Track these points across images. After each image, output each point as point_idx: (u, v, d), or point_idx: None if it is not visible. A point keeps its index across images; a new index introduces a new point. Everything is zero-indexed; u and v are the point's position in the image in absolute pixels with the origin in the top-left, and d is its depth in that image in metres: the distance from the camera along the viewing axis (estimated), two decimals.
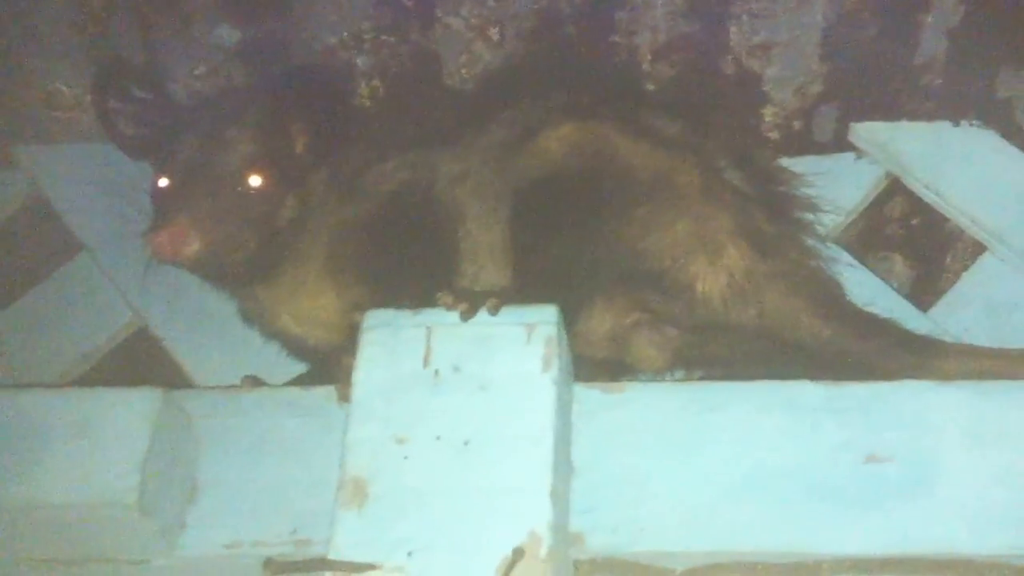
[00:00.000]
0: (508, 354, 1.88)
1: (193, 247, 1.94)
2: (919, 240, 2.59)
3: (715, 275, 2.03)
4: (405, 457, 1.82)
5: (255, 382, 2.18)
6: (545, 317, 1.91)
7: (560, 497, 1.80)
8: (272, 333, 2.26)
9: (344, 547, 1.75)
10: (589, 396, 1.97)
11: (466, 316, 1.91)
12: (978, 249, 2.43)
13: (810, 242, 2.15)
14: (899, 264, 2.57)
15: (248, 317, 2.27)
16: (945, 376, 1.95)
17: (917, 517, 1.79)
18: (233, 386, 2.18)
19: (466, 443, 1.82)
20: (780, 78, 2.46)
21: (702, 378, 2.15)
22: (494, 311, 1.91)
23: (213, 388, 2.27)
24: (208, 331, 2.49)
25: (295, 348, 2.26)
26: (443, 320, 1.93)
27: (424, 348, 1.91)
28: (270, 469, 2.01)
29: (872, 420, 1.89)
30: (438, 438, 1.83)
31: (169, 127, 2.14)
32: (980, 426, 1.86)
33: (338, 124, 2.20)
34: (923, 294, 2.48)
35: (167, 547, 1.94)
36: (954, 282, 2.48)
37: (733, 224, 2.04)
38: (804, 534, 1.81)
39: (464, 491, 1.78)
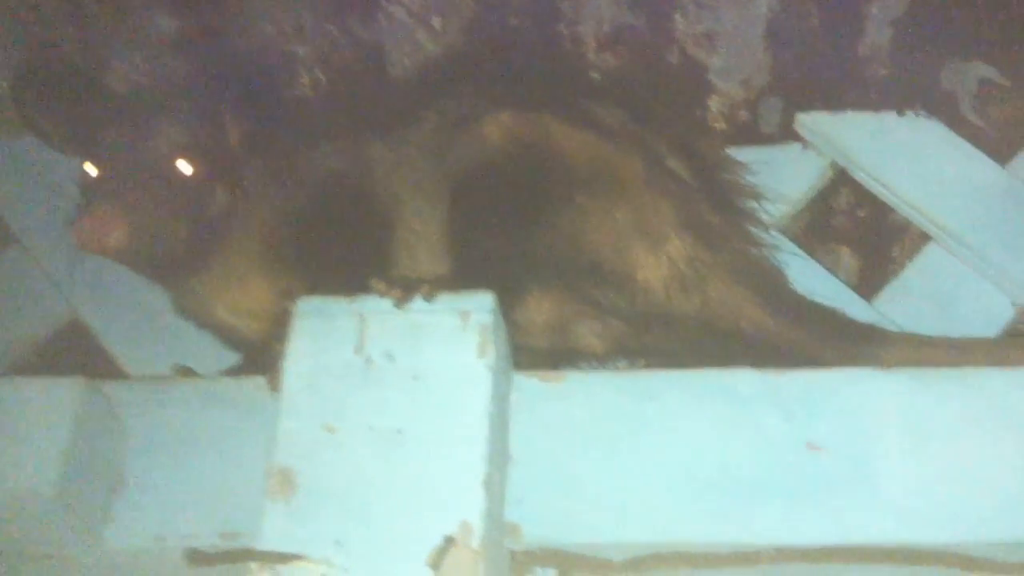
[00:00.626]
0: (443, 342, 1.84)
1: (118, 236, 1.90)
2: (865, 232, 2.55)
3: (657, 265, 2.00)
4: (336, 447, 1.77)
5: (185, 372, 2.15)
6: (481, 304, 1.87)
7: (495, 486, 1.76)
8: (207, 324, 2.21)
9: (272, 538, 1.71)
10: (528, 385, 1.93)
11: (400, 303, 1.87)
12: (924, 240, 2.40)
13: (754, 231, 2.11)
14: (846, 256, 2.55)
15: (182, 308, 2.22)
16: (887, 365, 1.92)
17: (857, 506, 1.76)
18: (161, 376, 2.16)
19: (399, 432, 1.77)
20: (725, 68, 2.43)
21: (643, 367, 2.11)
22: (429, 298, 1.87)
23: (140, 378, 2.24)
24: (143, 322, 2.44)
25: (231, 339, 2.21)
26: (377, 307, 1.88)
27: (357, 336, 1.86)
28: (199, 461, 1.95)
29: (812, 409, 1.86)
30: (370, 427, 1.78)
31: (99, 117, 2.08)
32: (921, 414, 1.83)
33: (273, 114, 2.15)
34: (870, 286, 2.44)
35: (91, 541, 1.88)
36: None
37: (676, 213, 2.01)
38: (744, 524, 1.78)
39: (396, 481, 1.74)
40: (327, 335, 1.87)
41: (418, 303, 1.87)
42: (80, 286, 2.42)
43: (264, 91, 2.18)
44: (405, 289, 1.87)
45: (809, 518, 1.76)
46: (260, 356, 2.05)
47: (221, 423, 1.98)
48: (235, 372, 2.19)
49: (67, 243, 1.97)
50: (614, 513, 1.81)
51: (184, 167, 2.00)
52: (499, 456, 1.81)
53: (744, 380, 1.90)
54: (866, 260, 2.57)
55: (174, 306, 2.23)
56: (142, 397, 2.02)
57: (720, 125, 2.49)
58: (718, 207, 2.07)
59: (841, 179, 2.48)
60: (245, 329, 2.16)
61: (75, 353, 2.53)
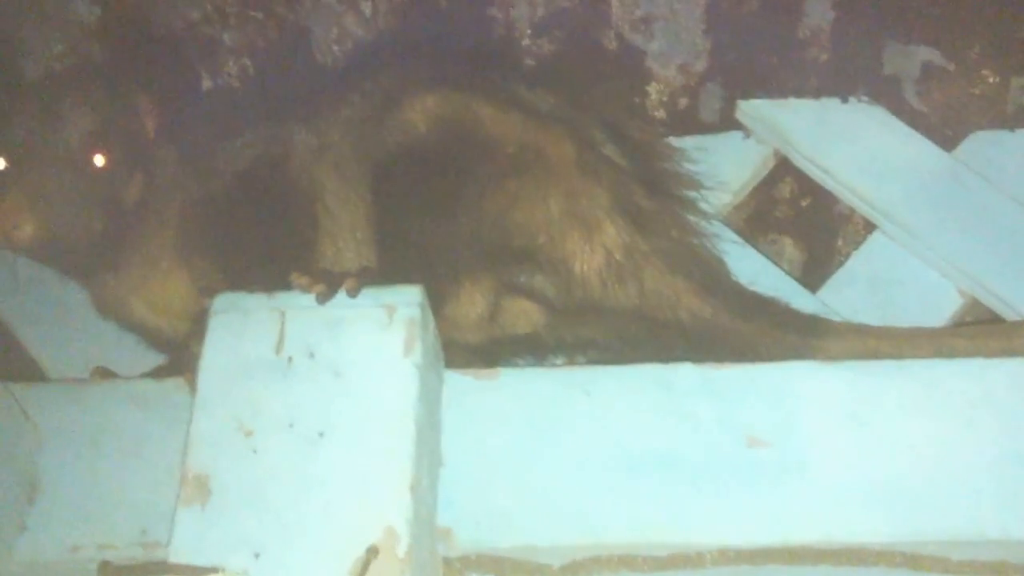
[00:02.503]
0: (367, 338, 1.76)
1: (26, 230, 1.85)
2: (809, 222, 2.49)
3: (592, 253, 1.93)
4: (253, 450, 1.69)
5: (104, 374, 2.05)
6: (407, 298, 1.79)
7: (423, 490, 1.68)
8: (126, 323, 2.13)
9: (185, 548, 1.62)
10: (461, 383, 1.87)
11: (323, 298, 1.79)
12: (869, 229, 2.35)
13: (692, 219, 2.04)
14: (789, 247, 2.48)
15: (101, 307, 2.14)
16: (831, 356, 1.88)
17: (800, 504, 1.71)
18: (77, 379, 2.07)
19: (320, 434, 1.69)
20: (664, 54, 2.38)
21: (580, 363, 2.05)
22: (353, 292, 1.79)
23: (55, 381, 2.15)
24: (66, 323, 2.33)
25: (152, 339, 2.14)
26: (298, 303, 1.80)
27: (277, 333, 1.78)
28: (117, 467, 1.88)
29: (752, 403, 1.81)
30: (289, 429, 1.70)
31: (8, 106, 1.99)
32: (865, 408, 1.79)
33: (189, 100, 2.07)
34: (814, 277, 2.39)
35: (4, 551, 1.81)
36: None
37: (610, 199, 1.94)
38: (684, 524, 1.73)
39: (317, 486, 1.66)
40: (245, 333, 1.78)
41: (342, 298, 1.79)
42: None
43: (183, 79, 2.08)
44: (328, 284, 1.79)
45: (751, 517, 1.71)
46: (182, 356, 1.97)
47: (141, 426, 1.91)
48: (159, 373, 2.09)
49: None
50: (551, 515, 1.74)
51: (97, 157, 1.93)
52: (429, 458, 1.73)
53: (683, 375, 1.84)
54: (810, 251, 2.50)
55: (94, 305, 2.14)
56: (57, 400, 1.95)
57: (659, 113, 2.43)
58: (654, 194, 2.00)
59: (784, 167, 2.42)
60: (167, 328, 2.08)
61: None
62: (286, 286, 1.81)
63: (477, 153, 1.93)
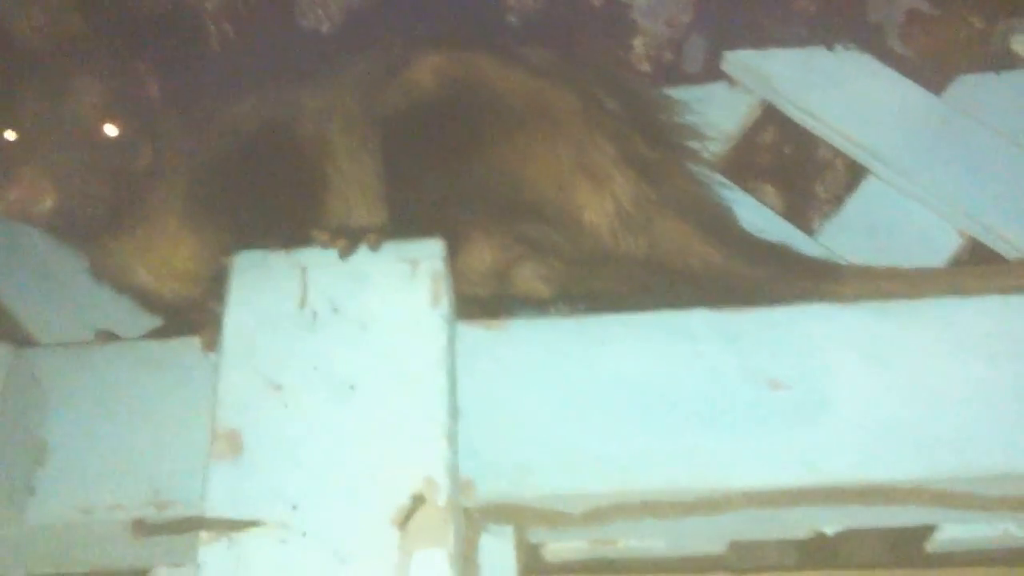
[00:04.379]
0: (392, 292, 1.77)
1: (47, 203, 1.83)
2: (790, 169, 2.50)
3: (602, 203, 1.93)
4: (284, 405, 1.69)
5: (108, 336, 2.04)
6: (430, 251, 1.81)
7: (453, 440, 1.69)
8: (125, 288, 2.11)
9: (220, 503, 1.62)
10: (471, 334, 1.85)
11: (345, 253, 1.80)
12: (850, 177, 2.40)
13: (695, 168, 2.04)
14: (771, 194, 2.50)
15: (99, 273, 2.12)
16: (844, 298, 1.89)
17: (826, 443, 1.72)
18: (83, 341, 2.04)
19: (351, 387, 1.70)
20: (649, 7, 2.37)
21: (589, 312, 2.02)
22: (375, 246, 1.80)
23: (61, 344, 2.09)
24: (53, 290, 2.34)
25: (150, 303, 2.12)
26: (319, 259, 1.81)
27: (300, 289, 1.78)
28: (126, 428, 1.86)
29: (768, 346, 1.82)
30: (319, 383, 1.70)
31: (14, 79, 1.96)
32: (880, 347, 1.80)
33: (190, 64, 2.04)
34: (796, 223, 2.41)
35: (14, 514, 1.78)
36: (825, 212, 2.45)
37: (617, 150, 1.95)
38: (707, 467, 1.73)
39: (351, 438, 1.66)
40: (268, 289, 1.79)
41: (363, 253, 1.80)
42: None
43: (174, 40, 2.06)
44: (349, 238, 1.80)
45: (777, 458, 1.72)
46: (182, 320, 1.99)
47: (149, 387, 1.89)
48: (156, 335, 2.08)
49: None
50: (569, 463, 1.74)
51: (108, 127, 1.92)
52: (453, 409, 1.74)
53: (698, 320, 1.85)
54: (789, 198, 2.51)
55: (92, 272, 2.12)
56: (63, 363, 1.93)
57: (645, 66, 2.44)
58: (657, 145, 2.01)
59: (767, 117, 2.44)
60: (167, 293, 2.07)
61: None
62: (305, 242, 1.81)
63: (484, 109, 1.93)
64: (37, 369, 1.88)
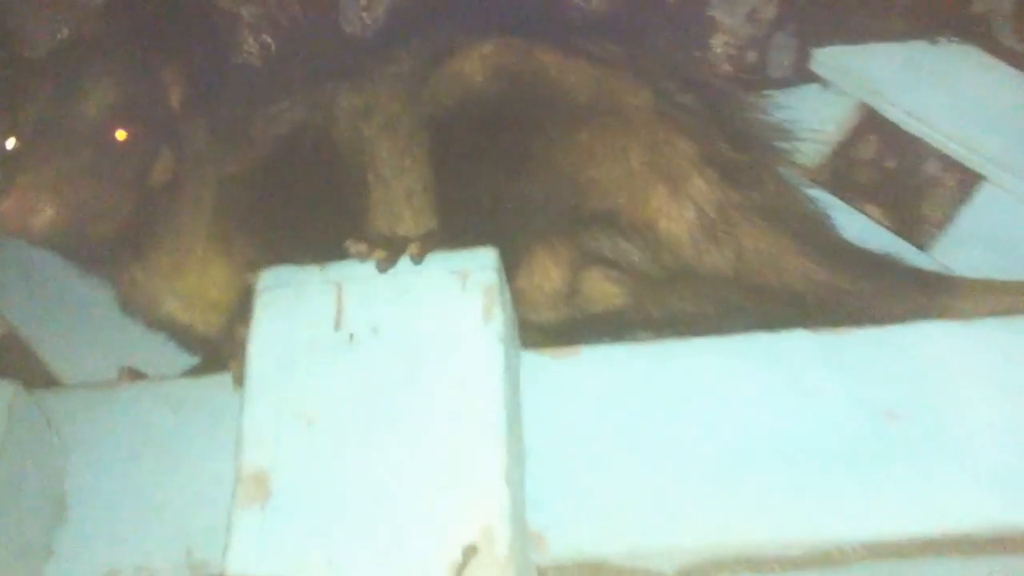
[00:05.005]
0: (438, 308, 1.56)
1: (45, 215, 1.62)
2: (893, 186, 2.25)
3: (680, 210, 1.71)
4: (317, 442, 1.48)
5: (133, 375, 1.85)
6: (481, 262, 1.59)
7: (516, 484, 1.45)
8: (155, 321, 1.92)
9: (245, 556, 1.41)
10: (538, 364, 1.64)
11: (384, 266, 1.59)
12: (962, 193, 2.13)
13: (787, 173, 1.82)
14: (875, 215, 2.23)
15: (127, 305, 1.93)
16: (963, 315, 1.65)
17: (950, 485, 1.48)
18: (104, 382, 1.86)
19: (393, 420, 1.48)
20: (729, 1, 2.11)
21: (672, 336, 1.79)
22: (419, 258, 1.59)
23: (79, 386, 1.93)
24: (80, 326, 2.14)
25: (184, 338, 1.94)
26: (356, 274, 1.60)
27: (334, 308, 1.58)
28: (155, 478, 1.68)
29: (881, 371, 1.58)
30: (357, 416, 1.49)
31: (18, 83, 1.81)
32: (1010, 371, 1.56)
33: (218, 68, 1.84)
34: (901, 237, 2.14)
35: None
36: (934, 235, 2.16)
37: (696, 149, 1.73)
38: (814, 515, 1.49)
39: (394, 479, 1.44)
40: (298, 310, 1.59)
41: (405, 265, 1.59)
42: (9, 290, 2.15)
43: (203, 42, 1.86)
44: (389, 249, 1.59)
45: (895, 503, 1.47)
46: (219, 351, 1.78)
47: (179, 431, 1.72)
48: (193, 374, 1.90)
49: None
50: (658, 513, 1.51)
51: (119, 131, 1.73)
52: (516, 447, 1.50)
53: (798, 343, 1.62)
54: (896, 219, 2.25)
55: (120, 304, 1.94)
56: (83, 406, 1.77)
57: (725, 69, 2.20)
58: (742, 145, 1.79)
59: (867, 122, 2.19)
60: (200, 324, 1.89)
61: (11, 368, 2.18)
62: (340, 256, 1.61)
63: (543, 104, 1.73)
64: (52, 414, 1.71)
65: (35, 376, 2.11)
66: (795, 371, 1.59)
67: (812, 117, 2.06)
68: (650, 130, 1.73)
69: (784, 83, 2.24)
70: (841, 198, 2.12)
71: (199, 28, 2.01)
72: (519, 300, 1.69)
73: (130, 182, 1.73)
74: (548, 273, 1.74)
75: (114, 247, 1.78)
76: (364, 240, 1.61)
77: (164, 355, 1.97)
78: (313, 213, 1.77)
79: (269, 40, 2.26)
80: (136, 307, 1.91)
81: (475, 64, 1.76)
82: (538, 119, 1.72)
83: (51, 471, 1.68)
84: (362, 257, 1.59)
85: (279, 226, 1.78)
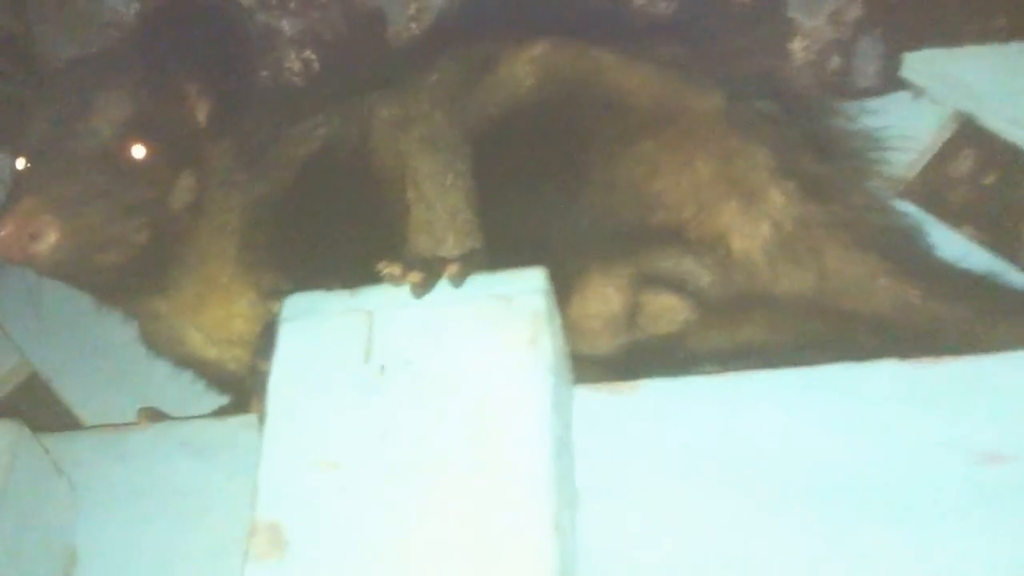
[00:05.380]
0: (480, 337, 1.38)
1: (49, 240, 1.49)
2: (993, 206, 2.03)
3: (754, 226, 1.53)
4: (340, 488, 1.31)
5: (153, 415, 1.70)
6: (528, 284, 1.40)
7: (566, 534, 1.27)
8: (182, 358, 1.78)
9: None
10: (591, 400, 1.45)
11: (420, 290, 1.42)
12: None
13: (878, 186, 1.63)
14: (970, 236, 2.01)
15: (151, 342, 1.80)
16: None
17: None
18: (120, 424, 1.70)
19: (426, 463, 1.30)
20: (809, 0, 1.92)
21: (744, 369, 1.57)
22: (458, 280, 1.41)
23: (93, 428, 1.81)
24: (106, 366, 2.02)
25: (213, 377, 1.79)
26: (389, 300, 1.43)
27: (364, 339, 1.41)
28: (174, 529, 1.54)
29: (983, 408, 1.35)
30: (386, 460, 1.32)
31: (33, 99, 1.68)
32: None
33: (249, 84, 1.70)
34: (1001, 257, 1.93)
35: None
36: None
37: (773, 160, 1.55)
38: (902, 571, 1.28)
39: (426, 529, 1.26)
40: (324, 341, 1.42)
41: (443, 289, 1.42)
42: (32, 331, 2.05)
43: (239, 61, 1.71)
44: (426, 272, 1.42)
45: (1001, 559, 1.26)
46: (249, 383, 1.61)
47: (202, 478, 1.57)
48: (219, 415, 1.75)
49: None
50: (724, 566, 1.32)
51: (136, 149, 1.59)
52: (567, 494, 1.32)
53: (886, 375, 1.39)
54: (996, 242, 2.03)
55: (144, 341, 1.80)
56: (96, 451, 1.63)
57: (806, 76, 1.99)
58: (826, 156, 1.60)
59: (963, 134, 1.99)
60: (230, 361, 1.74)
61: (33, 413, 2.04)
62: (372, 280, 1.44)
63: (601, 109, 1.56)
64: (62, 458, 1.59)
65: (58, 421, 2.00)
66: (883, 407, 1.38)
67: (903, 128, 1.86)
68: (721, 138, 1.55)
69: (871, 92, 2.04)
70: (935, 216, 1.93)
71: (229, 42, 1.84)
72: (573, 330, 1.51)
73: (147, 205, 1.59)
74: (605, 298, 1.55)
75: (132, 278, 1.63)
76: (398, 262, 1.42)
77: (193, 398, 1.84)
78: (348, 238, 1.61)
79: (312, 56, 2.09)
80: (160, 344, 1.78)
81: (524, 67, 1.60)
82: (595, 126, 1.55)
83: (59, 521, 1.56)
84: (395, 281, 1.42)
85: (310, 253, 1.63)
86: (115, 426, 1.70)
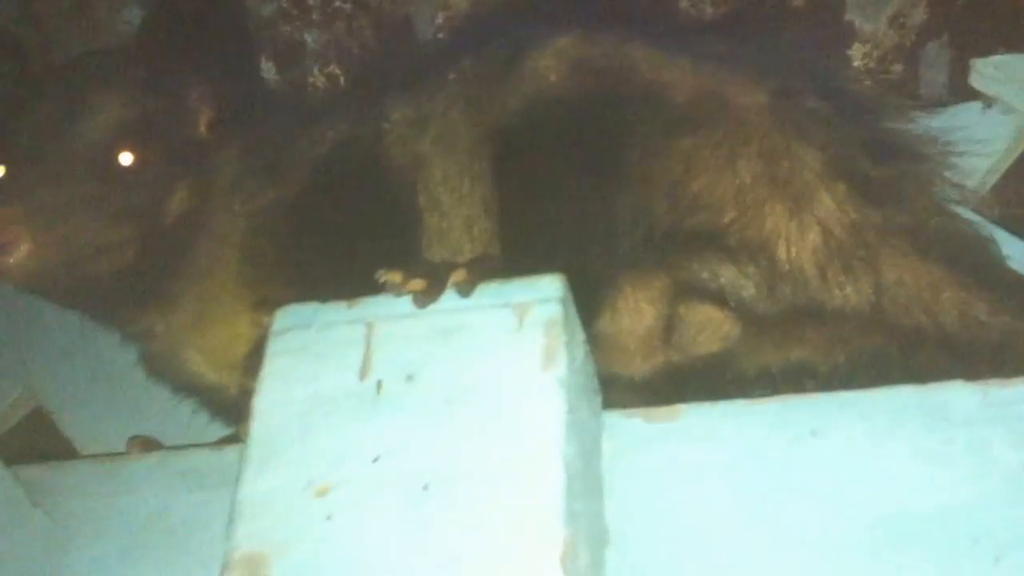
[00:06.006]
0: (489, 351, 1.23)
1: (20, 252, 1.38)
2: None
3: (803, 232, 1.38)
4: (328, 516, 1.16)
5: (146, 444, 1.58)
6: (544, 292, 1.26)
7: (582, 570, 1.11)
8: (184, 384, 1.66)
9: None
10: (625, 427, 1.31)
11: (424, 299, 1.28)
12: None
13: (943, 191, 1.47)
14: None
15: (150, 366, 1.68)
16: None
17: None
18: (109, 454, 1.61)
19: (425, 488, 1.15)
20: (869, 3, 1.77)
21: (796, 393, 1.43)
22: (466, 288, 1.28)
23: (77, 459, 1.71)
24: (108, 394, 1.92)
25: (218, 404, 1.67)
26: (391, 311, 1.29)
27: (362, 352, 1.27)
28: (171, 563, 1.41)
29: None
30: (382, 485, 1.17)
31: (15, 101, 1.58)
32: None
33: (254, 93, 1.60)
34: None
35: None
36: None
37: (823, 160, 1.40)
38: None
39: (422, 561, 1.12)
40: (318, 355, 1.28)
41: (450, 299, 1.28)
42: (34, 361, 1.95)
43: (246, 67, 1.60)
44: (431, 279, 1.29)
45: None
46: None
47: (197, 512, 1.45)
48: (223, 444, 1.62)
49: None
50: None
51: (124, 155, 1.49)
52: (588, 527, 1.17)
53: (955, 398, 1.24)
54: None
55: (144, 365, 1.68)
56: (82, 483, 1.52)
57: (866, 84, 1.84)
58: (884, 158, 1.44)
59: None
60: (232, 385, 1.60)
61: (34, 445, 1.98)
62: (373, 290, 1.31)
63: (633, 104, 1.42)
64: (42, 494, 1.49)
65: (56, 452, 1.89)
66: (952, 433, 1.23)
67: (973, 140, 1.72)
68: (765, 136, 1.41)
69: (939, 102, 1.90)
70: (1013, 233, 1.77)
71: (233, 48, 1.74)
72: (604, 348, 1.39)
73: (136, 214, 1.49)
74: (639, 311, 1.42)
75: (122, 293, 1.53)
76: (401, 268, 1.29)
77: (197, 428, 1.71)
78: (358, 248, 1.50)
79: (338, 72, 1.99)
80: (159, 368, 1.66)
81: (549, 60, 1.47)
82: (627, 122, 1.42)
83: (38, 560, 1.45)
84: (397, 290, 1.29)
85: (318, 265, 1.51)
86: (109, 456, 1.60)
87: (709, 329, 1.42)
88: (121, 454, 1.57)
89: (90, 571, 1.44)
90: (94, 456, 1.68)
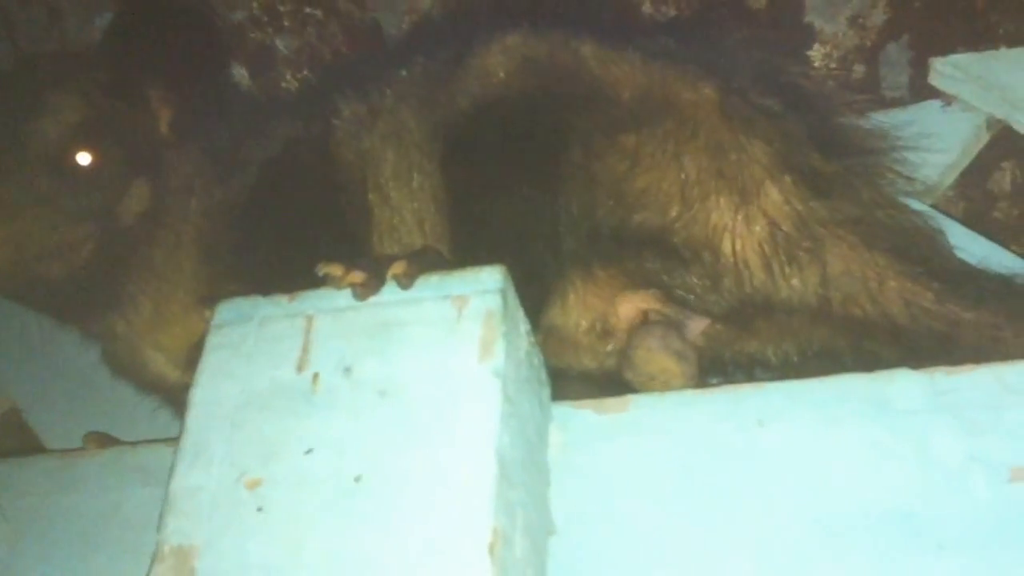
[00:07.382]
0: (426, 343, 1.22)
1: None
2: None
3: (749, 226, 1.39)
4: (259, 508, 1.15)
5: (100, 441, 1.57)
6: (483, 284, 1.25)
7: (515, 561, 1.11)
8: (146, 382, 1.67)
9: None
10: (574, 419, 1.30)
11: (364, 291, 1.26)
12: None
13: (893, 186, 1.48)
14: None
15: (114, 365, 1.68)
16: None
17: None
18: (71, 450, 1.57)
19: (357, 480, 1.14)
20: (828, 4, 1.78)
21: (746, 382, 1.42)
22: (406, 280, 1.26)
23: (26, 456, 1.63)
24: (79, 392, 1.91)
25: (178, 402, 1.59)
26: (331, 304, 1.28)
27: (300, 346, 1.25)
28: (120, 560, 1.38)
29: (1007, 420, 1.20)
30: (313, 474, 1.16)
31: None
32: None
33: (215, 93, 1.60)
34: None
35: None
36: None
37: (771, 154, 1.40)
38: None
39: (352, 553, 1.10)
40: (255, 349, 1.27)
41: (391, 291, 1.27)
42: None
43: (208, 67, 1.61)
44: (370, 271, 1.27)
45: None
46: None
47: (155, 505, 1.32)
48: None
49: None
50: None
51: (81, 155, 1.50)
52: (527, 517, 1.17)
53: (901, 387, 1.24)
54: None
55: (108, 364, 1.69)
56: (42, 479, 1.49)
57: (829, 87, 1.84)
58: (833, 154, 1.45)
59: (1000, 144, 1.85)
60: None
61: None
62: (315, 283, 1.30)
63: (580, 102, 1.44)
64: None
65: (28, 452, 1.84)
66: (896, 421, 1.22)
67: (932, 136, 1.72)
68: (712, 131, 1.41)
69: (899, 102, 1.89)
70: (973, 230, 1.77)
71: (195, 49, 1.74)
72: (555, 341, 1.41)
73: (93, 213, 1.51)
74: (586, 305, 1.44)
75: (81, 292, 1.54)
76: (341, 261, 1.28)
77: (165, 424, 1.70)
78: (310, 247, 1.45)
79: (310, 76, 1.99)
80: (122, 366, 1.66)
81: (497, 57, 1.48)
82: (574, 119, 1.43)
83: None
84: (336, 283, 1.27)
85: (271, 264, 1.50)
86: (62, 452, 1.58)
87: (662, 376, 1.43)
88: (75, 450, 1.56)
89: (43, 567, 1.43)
90: (48, 452, 1.68)
